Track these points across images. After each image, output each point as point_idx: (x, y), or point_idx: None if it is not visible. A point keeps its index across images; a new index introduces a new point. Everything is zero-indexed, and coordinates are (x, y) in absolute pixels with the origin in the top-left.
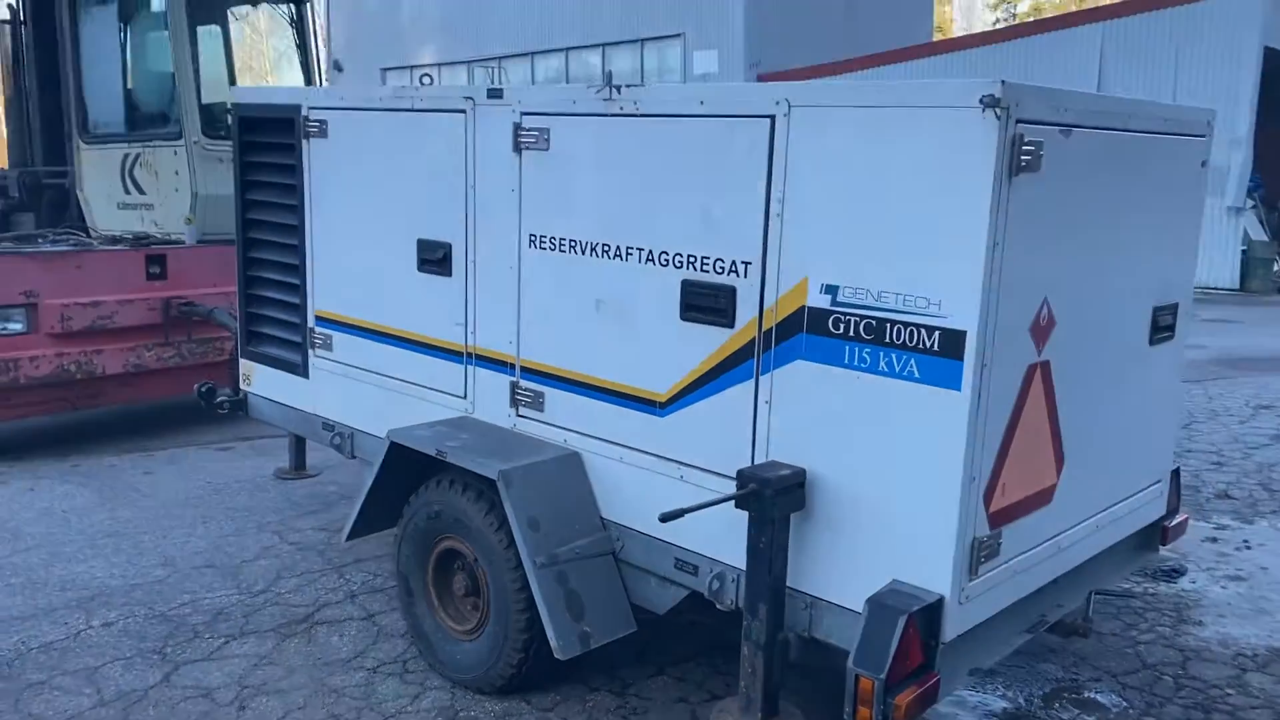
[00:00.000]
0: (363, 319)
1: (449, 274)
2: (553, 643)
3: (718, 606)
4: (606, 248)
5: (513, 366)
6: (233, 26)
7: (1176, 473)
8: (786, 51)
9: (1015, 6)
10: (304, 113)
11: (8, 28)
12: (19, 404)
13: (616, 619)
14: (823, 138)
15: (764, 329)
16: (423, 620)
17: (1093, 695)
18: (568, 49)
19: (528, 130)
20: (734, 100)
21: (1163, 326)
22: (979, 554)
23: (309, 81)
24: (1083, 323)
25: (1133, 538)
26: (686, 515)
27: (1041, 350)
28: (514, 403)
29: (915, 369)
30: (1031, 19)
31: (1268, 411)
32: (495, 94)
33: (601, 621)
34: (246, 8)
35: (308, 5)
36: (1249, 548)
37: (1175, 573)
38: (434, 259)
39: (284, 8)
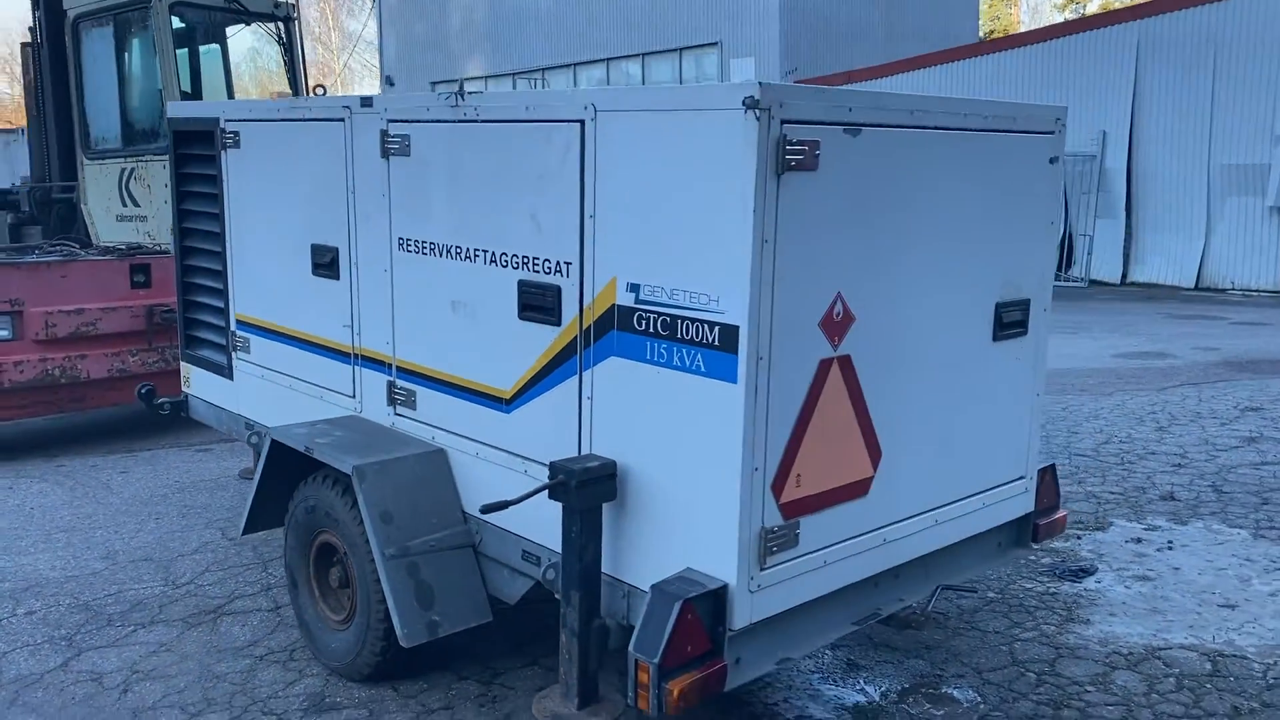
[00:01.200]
0: (272, 322)
1: (337, 277)
2: (398, 630)
3: (555, 595)
4: (459, 250)
5: (390, 366)
6: (231, 45)
7: (1050, 470)
8: (824, 57)
9: (1084, 6)
10: (221, 124)
11: (31, 50)
12: (5, 406)
13: (469, 609)
14: (623, 141)
15: (584, 327)
16: (305, 610)
17: (949, 691)
18: (609, 59)
19: (392, 137)
20: (551, 105)
21: (1009, 323)
22: (769, 544)
23: (296, 94)
24: (895, 318)
25: (999, 534)
26: (512, 506)
27: (838, 344)
28: (391, 401)
29: (701, 363)
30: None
31: (1254, 414)
32: (367, 103)
33: (452, 611)
34: (241, 27)
35: (295, 24)
36: (1170, 548)
37: (1083, 572)
38: (324, 263)
39: (273, 26)
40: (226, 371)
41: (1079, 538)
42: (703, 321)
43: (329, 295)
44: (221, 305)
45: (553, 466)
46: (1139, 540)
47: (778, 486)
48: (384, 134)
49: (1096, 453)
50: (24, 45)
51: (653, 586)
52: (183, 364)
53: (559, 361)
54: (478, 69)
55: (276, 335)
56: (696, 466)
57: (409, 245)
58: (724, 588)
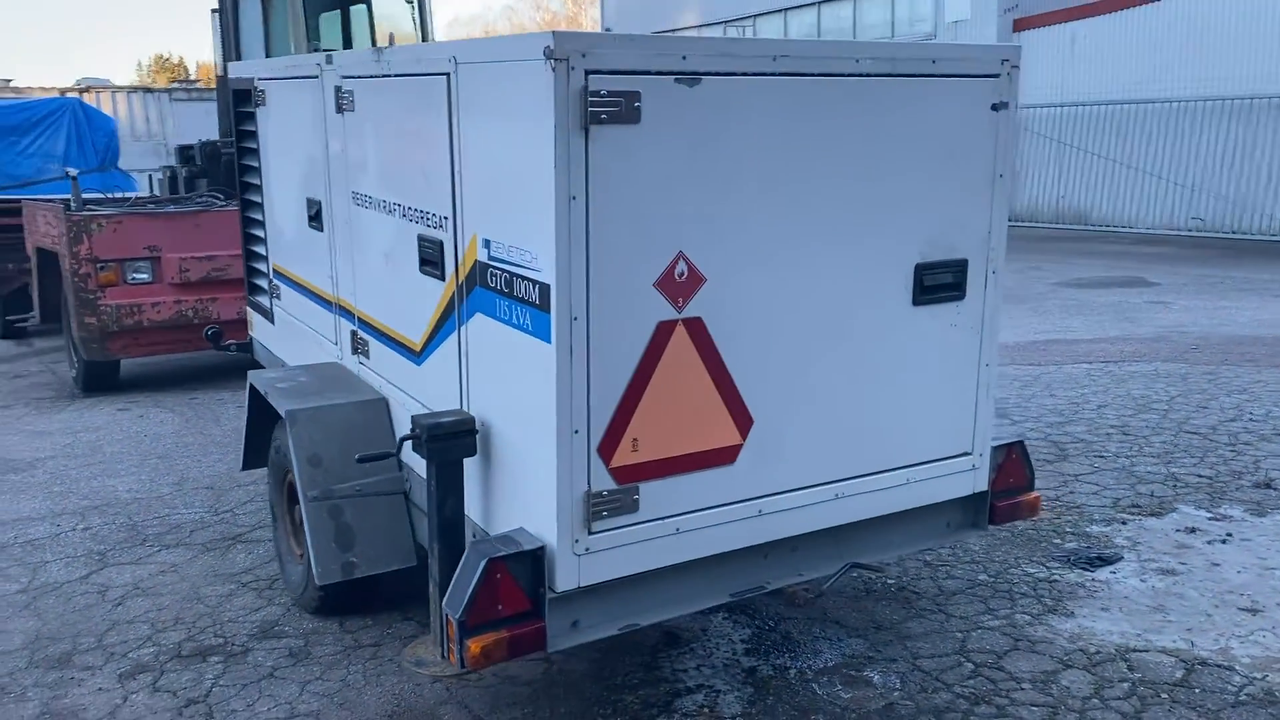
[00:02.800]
0: (291, 271)
1: (321, 229)
2: (313, 569)
3: None
4: (384, 204)
5: (354, 316)
6: (376, 7)
7: (1016, 447)
8: None
9: None
10: (255, 83)
11: (212, 14)
12: (145, 343)
13: (390, 553)
14: (474, 93)
15: (459, 283)
16: (280, 544)
17: (870, 674)
18: (820, 3)
19: (344, 93)
20: (429, 59)
21: (934, 286)
22: (596, 508)
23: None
24: (767, 281)
25: (945, 513)
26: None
27: (683, 306)
28: (355, 349)
29: (529, 321)
30: None
31: None
32: (330, 60)
33: (372, 554)
34: None
35: None
36: (1224, 542)
37: (1102, 560)
38: (314, 215)
39: None
40: (270, 316)
41: (1124, 523)
42: (528, 279)
43: (319, 247)
44: (265, 254)
45: (412, 420)
46: (1193, 530)
47: (606, 450)
48: (338, 90)
49: (1211, 431)
50: (211, 10)
51: (470, 543)
52: (247, 309)
53: (446, 316)
54: (693, 18)
55: (293, 283)
56: (526, 426)
57: (359, 199)
58: (541, 549)
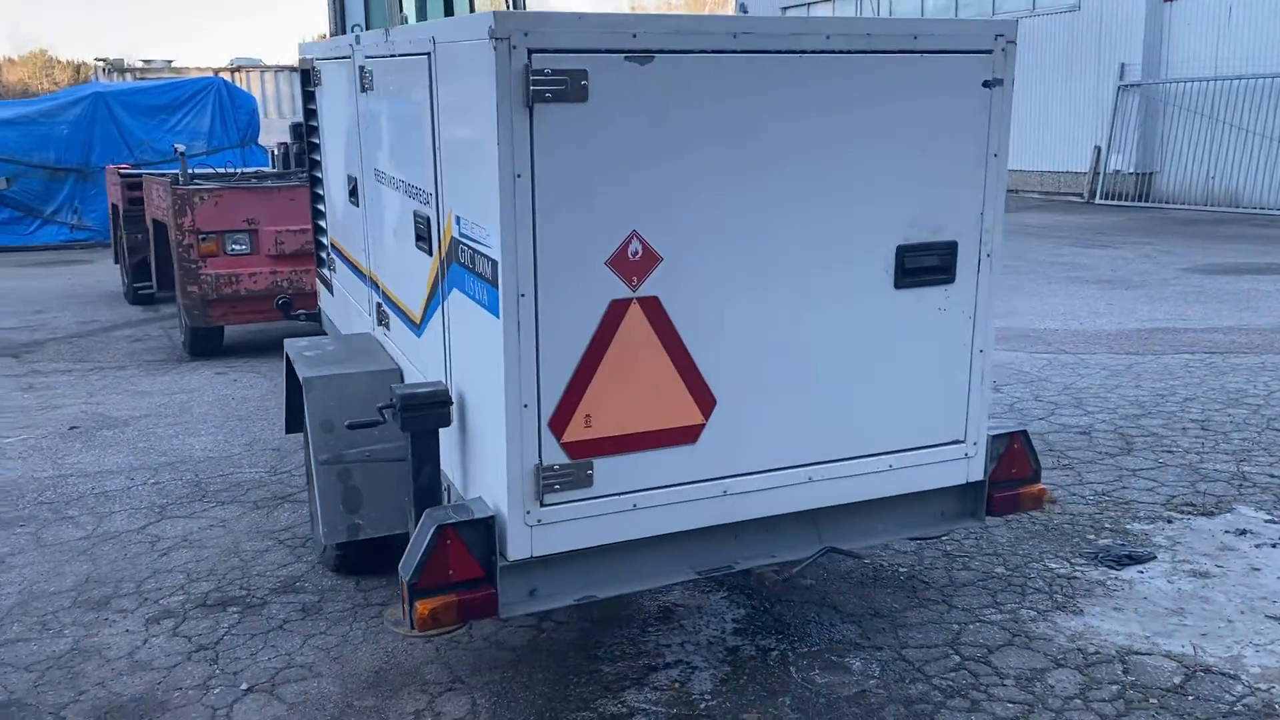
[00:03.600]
0: (341, 245)
1: (358, 204)
2: (320, 529)
3: None
4: (393, 180)
5: (379, 288)
6: None
7: (1018, 436)
8: None
9: None
10: (312, 63)
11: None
12: (242, 311)
13: (397, 518)
14: (446, 72)
15: (441, 258)
16: (310, 504)
17: (852, 660)
18: None
19: (365, 73)
20: (416, 39)
21: (918, 269)
22: (548, 481)
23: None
24: (729, 261)
25: (937, 502)
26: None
27: (637, 285)
28: (379, 321)
29: (485, 296)
30: None
31: None
32: (358, 40)
33: (377, 517)
34: None
35: None
36: (1275, 547)
37: (1131, 559)
38: (351, 191)
39: None
40: (330, 288)
41: (1169, 521)
42: (484, 255)
43: (356, 221)
44: (325, 228)
45: (390, 390)
46: (1243, 532)
47: (558, 425)
48: (361, 69)
49: None
50: None
51: (428, 510)
52: (316, 282)
53: (434, 291)
54: None
55: (342, 257)
56: (484, 399)
57: (379, 175)
58: (491, 518)
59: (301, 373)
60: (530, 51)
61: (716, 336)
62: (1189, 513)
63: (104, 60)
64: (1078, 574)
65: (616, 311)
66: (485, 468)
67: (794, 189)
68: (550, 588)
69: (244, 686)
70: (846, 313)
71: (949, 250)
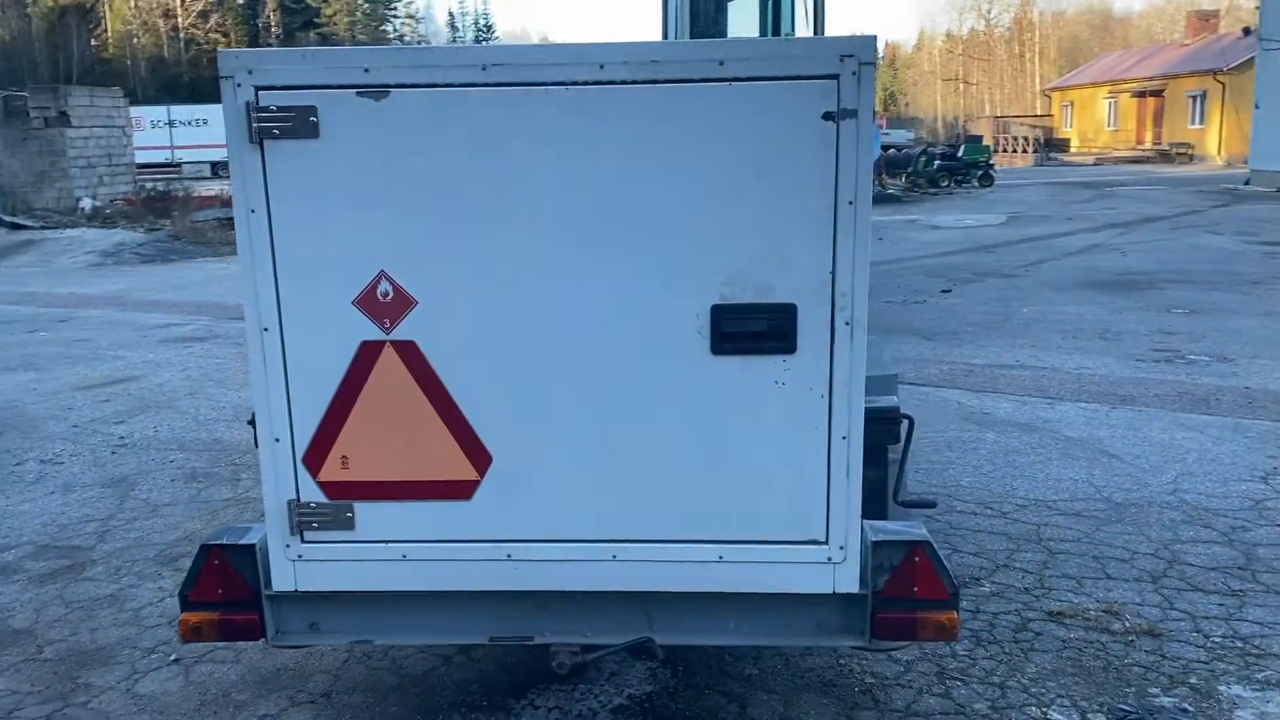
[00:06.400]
0: None
1: None
2: None
3: None
4: None
5: None
6: None
7: (920, 548)
8: None
9: None
10: None
11: None
12: None
13: None
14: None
15: None
16: None
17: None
18: None
19: None
20: None
21: (741, 335)
22: (304, 518)
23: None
24: (495, 309)
25: (812, 610)
26: None
27: (390, 328)
28: None
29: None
30: None
31: None
32: None
33: None
34: None
35: None
36: None
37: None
38: None
39: None
40: None
41: (1263, 686)
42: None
43: None
44: None
45: None
46: None
47: (312, 462)
48: None
49: None
50: None
51: (223, 528)
52: None
53: None
54: None
55: None
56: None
57: None
58: (251, 547)
59: None
60: (257, 89)
61: (490, 390)
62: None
63: None
64: None
65: (369, 353)
66: None
67: (575, 236)
68: (333, 624)
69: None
70: (654, 378)
71: (784, 314)
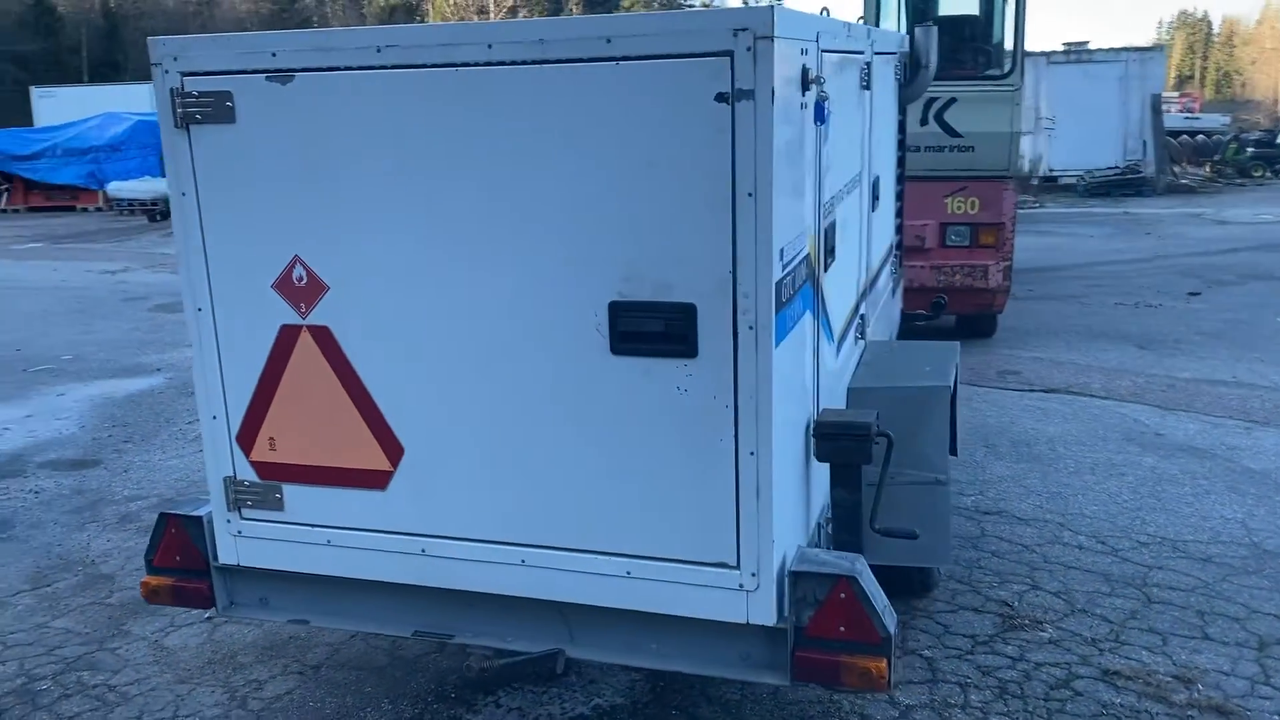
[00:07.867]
0: None
1: None
2: None
3: None
4: None
5: None
6: None
7: (845, 583)
8: None
9: None
10: None
11: None
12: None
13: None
14: None
15: None
16: None
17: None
18: None
19: None
20: None
21: (638, 335)
22: (238, 495)
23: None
24: (399, 296)
25: (737, 640)
26: None
27: (306, 313)
28: None
29: None
30: None
31: None
32: None
33: None
34: None
35: None
36: None
37: None
38: None
39: None
40: None
41: None
42: None
43: None
44: None
45: None
46: None
47: (244, 442)
48: None
49: None
50: None
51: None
52: None
53: None
54: None
55: None
56: None
57: None
58: (200, 519)
59: None
60: (183, 75)
61: (397, 379)
62: None
63: None
64: None
65: (288, 337)
66: None
67: (473, 225)
68: (280, 601)
69: None
70: (556, 376)
71: (682, 314)
